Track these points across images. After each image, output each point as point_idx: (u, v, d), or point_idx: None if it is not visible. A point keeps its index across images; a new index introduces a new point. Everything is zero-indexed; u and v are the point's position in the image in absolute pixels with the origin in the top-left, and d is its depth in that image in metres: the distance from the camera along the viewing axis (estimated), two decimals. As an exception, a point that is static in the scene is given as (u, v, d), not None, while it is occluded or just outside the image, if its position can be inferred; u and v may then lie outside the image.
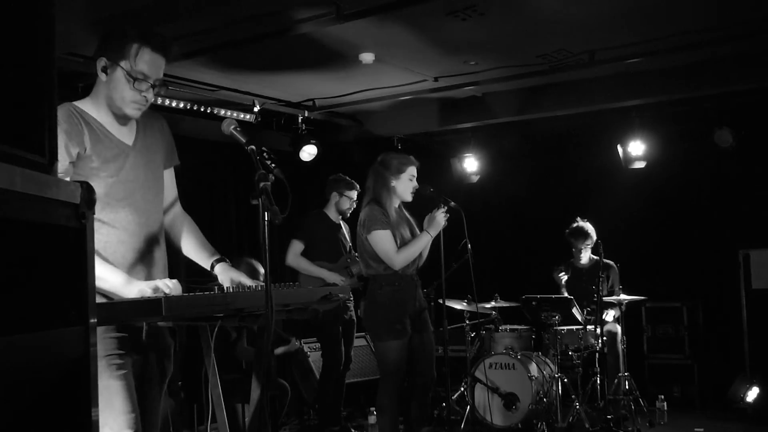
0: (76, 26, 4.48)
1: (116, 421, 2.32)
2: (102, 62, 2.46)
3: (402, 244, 4.39)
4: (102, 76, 2.46)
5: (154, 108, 2.65)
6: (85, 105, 2.50)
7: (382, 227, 4.36)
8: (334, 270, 5.72)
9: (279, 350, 5.69)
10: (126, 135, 2.56)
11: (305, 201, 6.93)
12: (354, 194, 5.88)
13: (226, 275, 2.69)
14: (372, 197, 4.48)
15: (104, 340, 2.35)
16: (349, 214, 5.94)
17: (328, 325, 5.64)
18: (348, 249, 5.92)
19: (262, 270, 5.16)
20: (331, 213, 5.93)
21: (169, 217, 2.78)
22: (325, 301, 2.80)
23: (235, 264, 5.06)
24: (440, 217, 4.39)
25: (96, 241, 1.52)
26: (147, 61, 2.44)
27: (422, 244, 4.39)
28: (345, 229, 6.03)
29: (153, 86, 2.49)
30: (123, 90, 2.44)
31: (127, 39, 2.43)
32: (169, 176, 2.77)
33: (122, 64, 2.43)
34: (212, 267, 2.73)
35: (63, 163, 2.33)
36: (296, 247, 5.72)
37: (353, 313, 5.89)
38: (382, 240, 4.36)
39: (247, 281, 2.64)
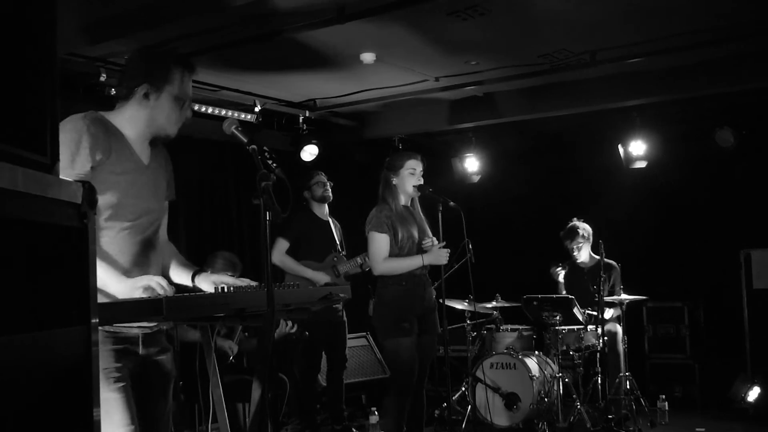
0: (77, 27, 4.48)
1: None
2: (144, 88, 2.55)
3: (405, 242, 4.41)
4: (143, 102, 2.56)
5: None
6: (112, 117, 2.58)
7: (380, 230, 4.39)
8: (321, 269, 5.69)
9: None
10: (143, 155, 2.64)
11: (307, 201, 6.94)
12: (319, 177, 5.85)
13: (207, 282, 2.72)
14: (381, 198, 4.52)
15: (101, 353, 2.36)
16: (330, 197, 5.86)
17: (311, 328, 5.63)
18: (337, 248, 5.90)
19: (240, 263, 5.20)
20: (316, 210, 5.88)
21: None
22: (326, 301, 2.80)
23: (212, 260, 5.09)
24: (442, 255, 4.42)
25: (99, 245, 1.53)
26: (190, 85, 2.63)
27: (410, 264, 4.39)
28: (335, 227, 5.98)
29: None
30: (170, 113, 2.60)
31: (170, 66, 2.58)
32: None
33: (167, 89, 2.56)
34: (193, 280, 2.77)
35: (84, 167, 2.39)
36: (281, 245, 5.65)
37: (343, 313, 5.87)
38: (374, 242, 4.40)
39: (230, 280, 2.67)
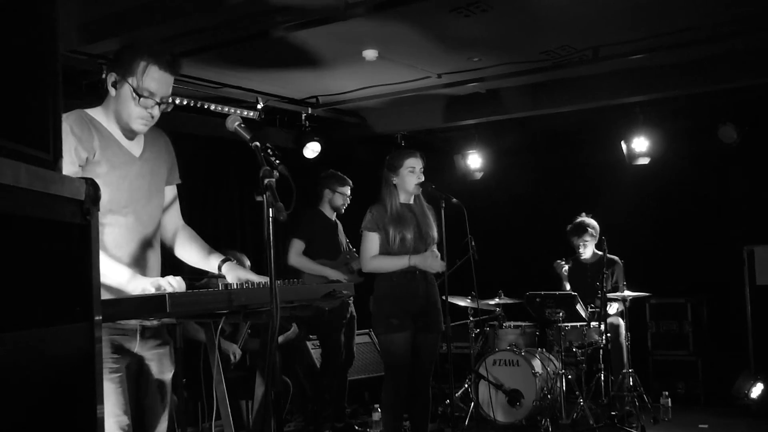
0: (79, 24, 4.48)
1: (106, 422, 2.33)
2: (112, 77, 2.51)
3: (395, 243, 4.40)
4: (111, 91, 2.52)
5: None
6: (96, 113, 2.56)
7: (370, 230, 4.44)
8: (335, 267, 5.72)
9: (279, 339, 5.67)
10: (134, 147, 2.61)
11: (309, 198, 6.94)
12: (347, 190, 5.86)
13: (233, 274, 2.72)
14: (380, 197, 4.52)
15: None
16: (343, 210, 5.91)
17: (331, 325, 5.64)
18: (346, 246, 5.92)
19: (247, 262, 5.20)
20: (326, 210, 5.89)
21: (172, 232, 2.83)
22: (329, 297, 2.80)
23: None
24: (430, 260, 4.38)
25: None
26: (155, 79, 2.49)
27: (396, 263, 4.38)
28: (340, 226, 6.01)
29: (159, 103, 2.53)
30: (129, 106, 2.50)
31: (135, 56, 2.48)
32: (172, 193, 2.81)
33: (129, 80, 2.48)
34: (219, 268, 2.76)
35: (72, 167, 2.38)
36: (297, 246, 5.67)
37: (353, 309, 5.89)
38: (364, 241, 4.47)
39: (255, 277, 2.66)
